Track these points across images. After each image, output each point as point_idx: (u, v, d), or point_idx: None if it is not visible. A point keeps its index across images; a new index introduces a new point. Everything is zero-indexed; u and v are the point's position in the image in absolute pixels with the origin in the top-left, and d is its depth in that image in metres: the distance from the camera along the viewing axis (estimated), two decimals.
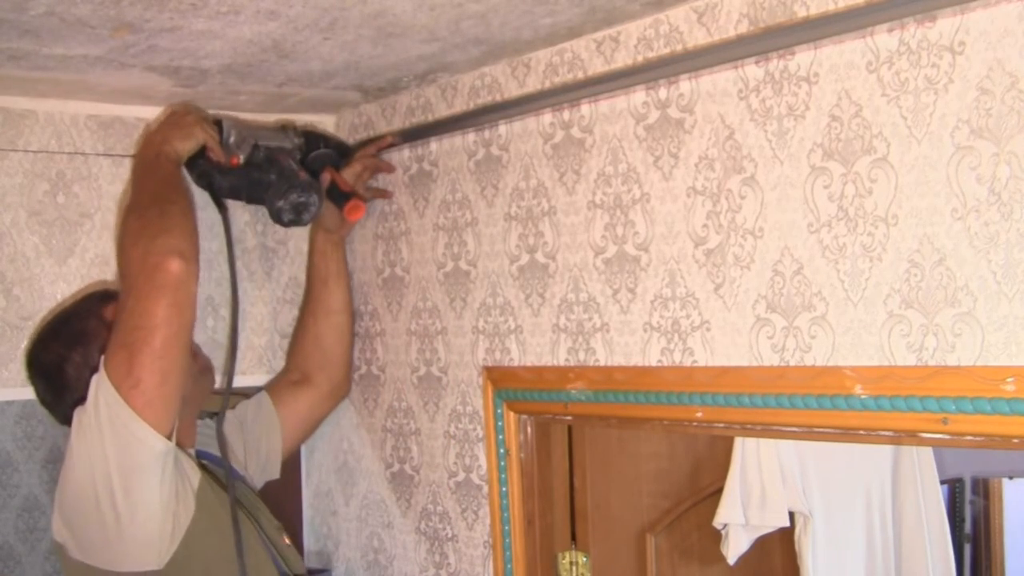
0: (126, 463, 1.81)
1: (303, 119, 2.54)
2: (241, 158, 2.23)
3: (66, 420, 1.92)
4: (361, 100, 2.41)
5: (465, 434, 2.22)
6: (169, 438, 1.84)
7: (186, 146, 2.16)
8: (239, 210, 2.47)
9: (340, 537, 2.61)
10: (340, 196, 2.34)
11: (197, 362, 2.11)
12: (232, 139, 2.24)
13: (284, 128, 2.37)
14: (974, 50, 1.39)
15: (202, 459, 2.09)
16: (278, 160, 2.25)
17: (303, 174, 2.25)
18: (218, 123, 2.25)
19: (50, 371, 1.99)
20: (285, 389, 2.40)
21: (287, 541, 2.18)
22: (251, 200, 2.28)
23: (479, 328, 2.17)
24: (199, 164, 2.20)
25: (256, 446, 2.31)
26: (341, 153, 2.42)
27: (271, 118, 2.51)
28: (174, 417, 1.87)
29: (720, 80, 1.70)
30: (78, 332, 2.00)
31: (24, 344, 2.22)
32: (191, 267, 1.90)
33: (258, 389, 2.41)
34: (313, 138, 2.40)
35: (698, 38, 1.72)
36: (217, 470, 2.11)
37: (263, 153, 2.26)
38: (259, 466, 2.32)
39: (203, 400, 2.16)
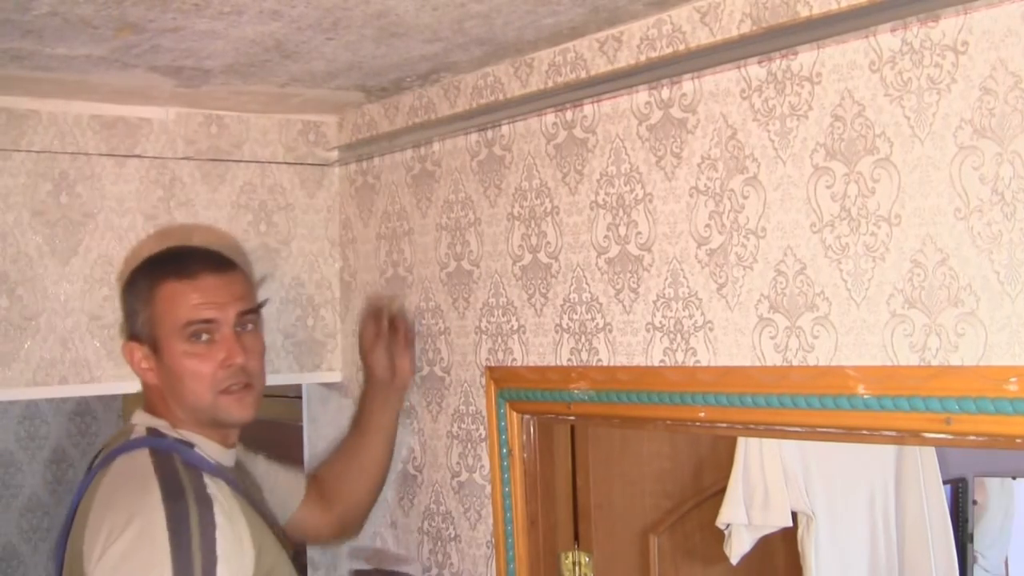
0: None
1: (306, 119, 2.55)
2: None
3: None
4: (364, 100, 2.42)
5: (468, 434, 2.22)
6: None
7: None
8: (241, 210, 2.48)
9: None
10: None
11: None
12: None
13: None
14: (977, 50, 1.39)
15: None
16: None
17: None
18: None
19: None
20: (313, 496, 2.32)
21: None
22: None
23: (482, 328, 2.17)
24: None
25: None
26: None
27: (274, 118, 2.51)
28: None
29: (723, 80, 1.70)
30: (132, 273, 2.05)
31: (27, 344, 2.23)
32: None
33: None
34: None
35: (701, 38, 1.72)
36: (246, 470, 2.13)
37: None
38: None
39: None
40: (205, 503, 1.79)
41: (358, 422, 2.37)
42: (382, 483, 2.38)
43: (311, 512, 2.31)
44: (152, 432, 1.96)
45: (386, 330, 2.32)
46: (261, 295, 2.18)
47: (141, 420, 2.00)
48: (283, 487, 2.28)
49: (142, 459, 1.88)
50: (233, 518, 1.82)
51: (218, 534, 1.76)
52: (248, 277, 2.08)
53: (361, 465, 2.34)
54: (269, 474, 2.26)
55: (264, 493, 2.21)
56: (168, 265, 2.00)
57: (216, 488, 1.84)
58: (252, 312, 2.02)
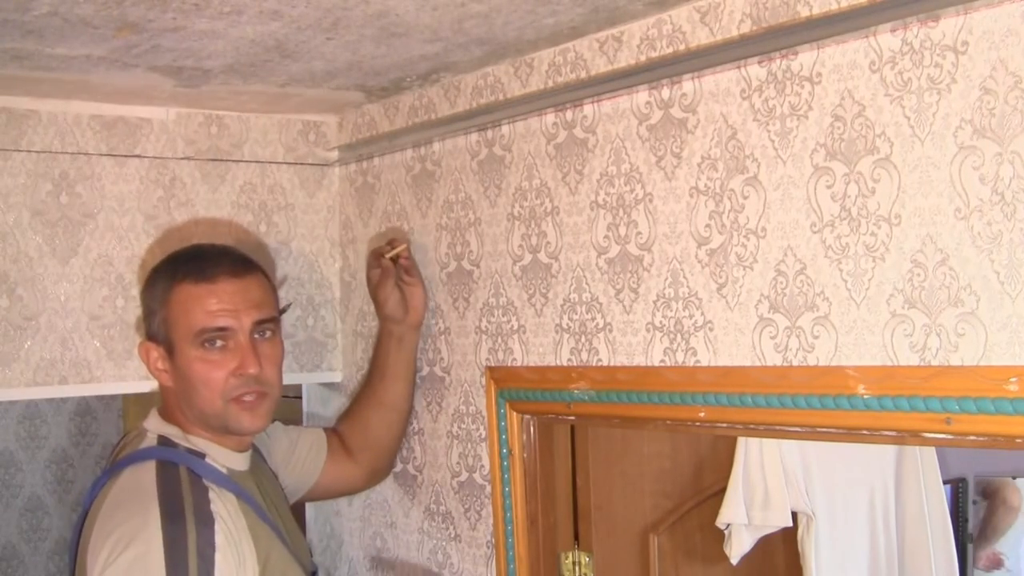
0: None
1: (306, 119, 2.55)
2: None
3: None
4: (364, 100, 2.42)
5: (468, 434, 2.22)
6: None
7: None
8: (241, 210, 2.48)
9: (343, 537, 2.61)
10: None
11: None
12: None
13: None
14: (977, 50, 1.39)
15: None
16: None
17: None
18: None
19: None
20: (337, 448, 2.32)
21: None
22: None
23: (482, 328, 2.17)
24: None
25: (291, 475, 2.25)
26: None
27: (274, 118, 2.51)
28: None
29: (723, 80, 1.70)
30: (150, 274, 2.04)
31: (27, 344, 2.23)
32: None
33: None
34: None
35: (701, 38, 1.72)
36: (262, 465, 2.12)
37: None
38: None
39: None
40: (206, 523, 1.78)
41: (376, 366, 2.34)
42: (407, 423, 2.36)
43: (339, 465, 2.31)
44: (163, 441, 1.94)
45: (391, 266, 2.26)
46: (283, 298, 2.17)
47: (153, 426, 1.98)
48: (306, 448, 2.28)
49: (147, 473, 1.86)
50: (236, 536, 1.81)
51: (218, 556, 1.76)
52: (269, 281, 2.04)
53: (384, 409, 2.32)
54: (290, 439, 2.26)
55: (289, 463, 2.23)
56: (186, 266, 1.97)
57: (221, 504, 1.83)
58: (270, 320, 1.99)
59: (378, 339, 2.36)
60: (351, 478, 2.35)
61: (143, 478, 1.85)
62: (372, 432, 2.33)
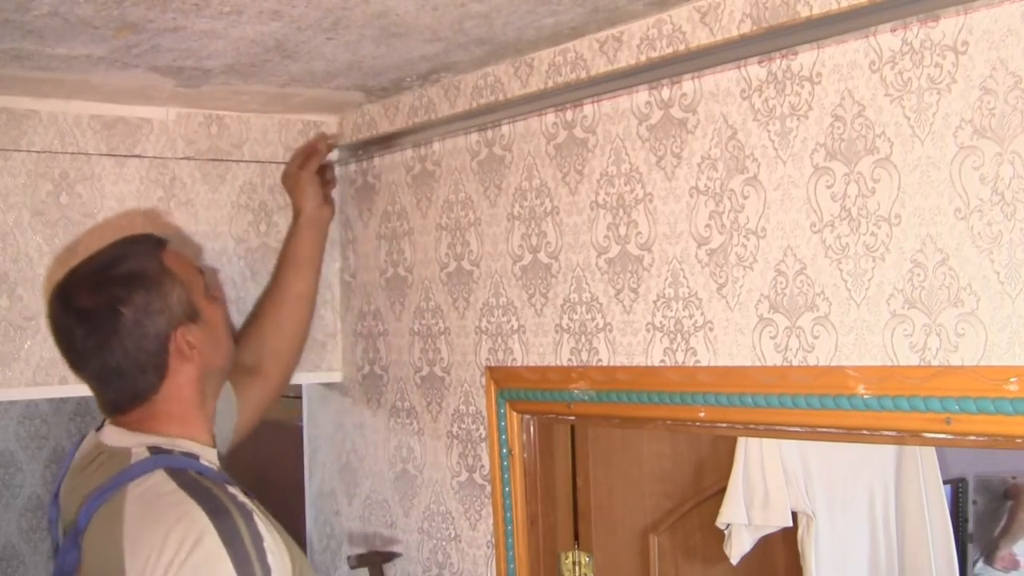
0: None
1: (306, 119, 2.55)
2: None
3: (104, 374, 1.81)
4: (364, 100, 2.42)
5: (468, 434, 2.22)
6: None
7: None
8: (242, 210, 2.48)
9: (343, 537, 2.61)
10: None
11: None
12: None
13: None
14: (977, 50, 1.39)
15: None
16: None
17: None
18: None
19: (99, 314, 1.78)
20: (242, 377, 2.21)
21: None
22: None
23: (482, 328, 2.17)
24: None
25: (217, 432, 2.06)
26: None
27: (274, 118, 2.51)
28: None
29: (723, 80, 1.70)
30: (136, 273, 1.82)
31: (27, 344, 2.23)
32: None
33: None
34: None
35: (701, 38, 1.72)
36: None
37: None
38: None
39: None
40: (248, 515, 1.69)
41: (288, 256, 2.44)
42: (311, 319, 2.48)
43: (250, 394, 2.25)
44: (154, 450, 1.79)
45: (324, 150, 2.47)
46: None
47: (127, 441, 1.82)
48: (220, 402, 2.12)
49: (162, 482, 1.72)
50: (269, 525, 1.73)
51: (265, 545, 1.68)
52: None
53: (299, 301, 2.42)
54: None
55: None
56: (147, 242, 1.91)
57: (244, 497, 1.74)
58: None
59: (291, 233, 2.46)
60: (263, 398, 2.31)
61: (161, 486, 1.72)
62: (285, 333, 2.38)
